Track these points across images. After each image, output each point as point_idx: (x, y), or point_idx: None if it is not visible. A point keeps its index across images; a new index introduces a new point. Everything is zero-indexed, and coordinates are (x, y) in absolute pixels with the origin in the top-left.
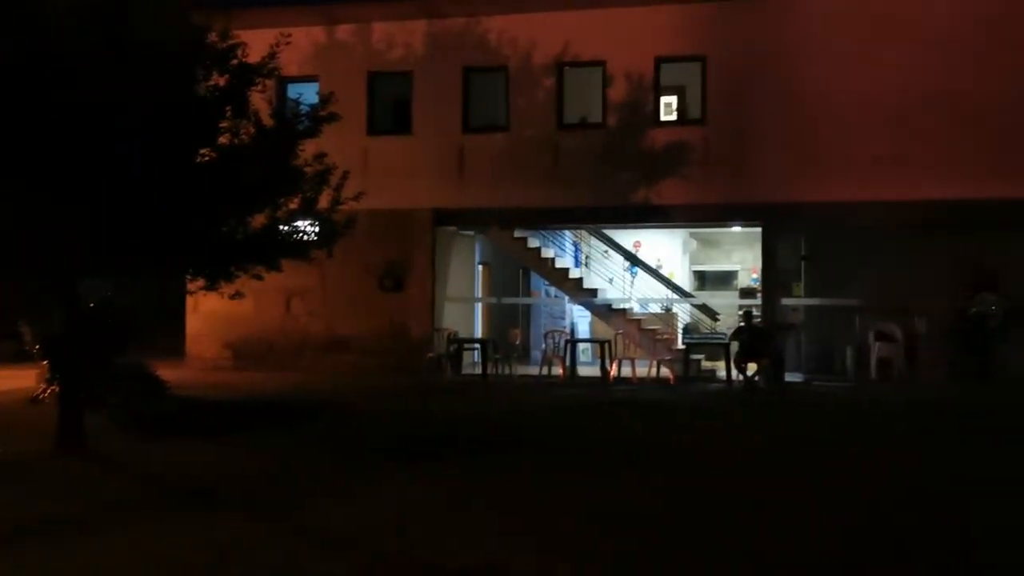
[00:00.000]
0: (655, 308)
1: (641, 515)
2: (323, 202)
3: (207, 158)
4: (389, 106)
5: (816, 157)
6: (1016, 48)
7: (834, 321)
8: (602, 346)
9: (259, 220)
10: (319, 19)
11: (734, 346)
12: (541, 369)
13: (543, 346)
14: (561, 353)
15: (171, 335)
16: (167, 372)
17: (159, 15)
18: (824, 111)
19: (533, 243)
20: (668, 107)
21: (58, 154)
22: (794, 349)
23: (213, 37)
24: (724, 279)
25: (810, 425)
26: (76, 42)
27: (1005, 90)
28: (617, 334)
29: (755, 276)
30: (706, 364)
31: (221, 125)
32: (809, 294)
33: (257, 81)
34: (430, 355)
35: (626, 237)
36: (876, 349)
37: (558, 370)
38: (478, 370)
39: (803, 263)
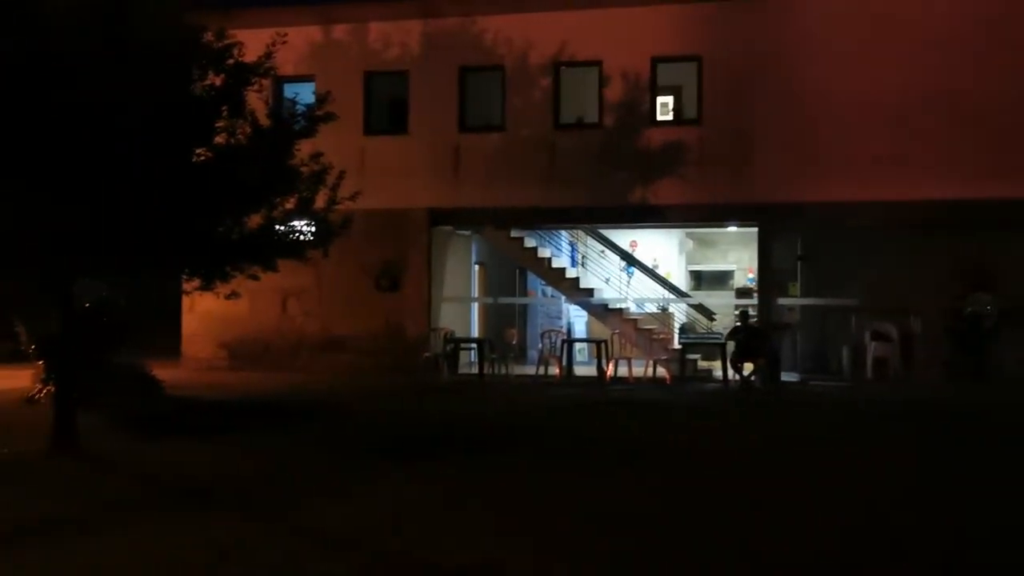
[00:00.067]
0: (651, 308)
1: (637, 515)
2: (319, 202)
3: (203, 158)
4: (385, 106)
5: (815, 157)
6: (1016, 48)
7: (830, 321)
8: (598, 346)
9: (255, 220)
10: (315, 19)
11: (730, 346)
12: (537, 369)
13: (539, 346)
14: (557, 353)
15: (167, 335)
16: (162, 372)
17: (158, 15)
18: (823, 111)
19: (529, 243)
20: (664, 107)
21: (58, 154)
22: (790, 349)
23: (209, 37)
24: (720, 279)
25: (806, 425)
26: (76, 42)
27: (1005, 90)
28: (613, 334)
29: (751, 276)
30: (702, 364)
31: (217, 125)
32: (805, 294)
33: (253, 81)
34: (426, 355)
35: (622, 237)
36: (872, 349)
37: (554, 370)
38: (474, 370)
39: (799, 263)
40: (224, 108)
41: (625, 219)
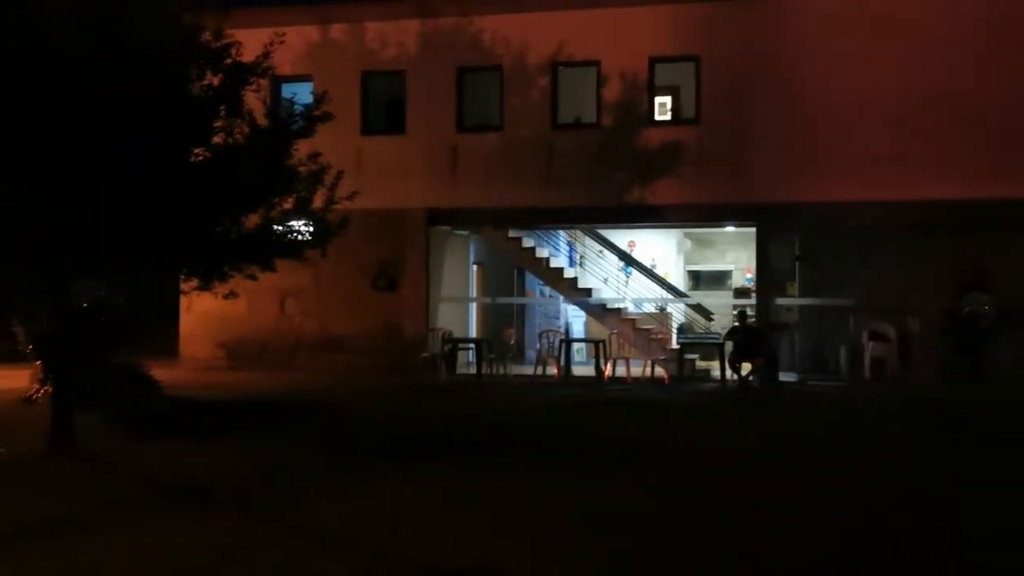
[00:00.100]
0: (649, 308)
1: (636, 515)
2: (317, 202)
3: (201, 158)
4: (383, 106)
5: (814, 157)
6: (1016, 48)
7: (828, 321)
8: (597, 346)
9: (253, 220)
10: (313, 19)
11: (728, 346)
12: (536, 369)
13: (537, 346)
14: (556, 353)
15: (165, 335)
16: (160, 372)
17: (157, 15)
18: (823, 111)
19: (527, 243)
20: (662, 107)
21: (58, 154)
22: (788, 349)
23: (207, 36)
24: (718, 279)
25: (804, 425)
26: (74, 42)
27: (1005, 90)
28: (612, 334)
29: (749, 276)
30: (700, 364)
31: (215, 125)
32: (803, 294)
33: (251, 80)
34: (424, 355)
35: (620, 237)
36: (870, 349)
37: (553, 370)
38: (472, 370)
39: (797, 263)
40: (222, 108)
41: (623, 219)
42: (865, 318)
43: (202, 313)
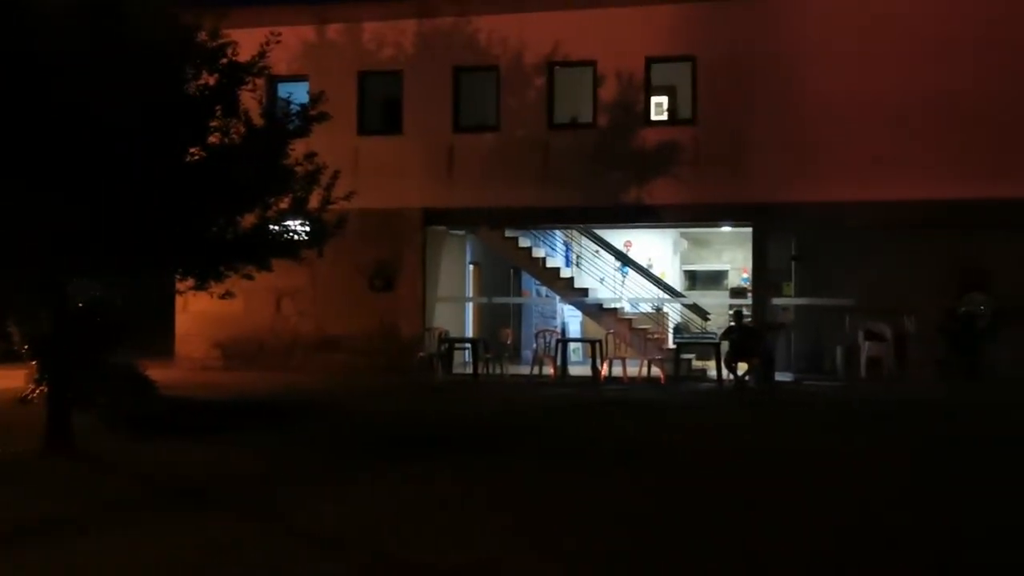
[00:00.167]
0: (646, 308)
1: (633, 514)
2: (313, 202)
3: (197, 157)
4: (379, 106)
5: (811, 157)
6: (1016, 48)
7: (824, 321)
8: (593, 346)
9: (249, 220)
10: (309, 18)
11: (724, 346)
12: (532, 369)
13: (534, 346)
14: (552, 353)
15: (161, 335)
16: (156, 372)
17: (153, 14)
18: (822, 111)
19: (524, 243)
20: (659, 107)
21: (57, 154)
22: (784, 349)
23: (203, 36)
24: (715, 279)
25: (800, 424)
26: (71, 41)
27: (1005, 90)
28: (608, 334)
29: (745, 276)
30: (696, 364)
31: (211, 124)
32: (799, 294)
33: (247, 80)
34: (421, 355)
35: (617, 237)
36: (866, 348)
37: (549, 370)
38: (469, 370)
39: (793, 263)
40: (218, 107)
41: (619, 219)
42: (861, 318)
43: (198, 313)
